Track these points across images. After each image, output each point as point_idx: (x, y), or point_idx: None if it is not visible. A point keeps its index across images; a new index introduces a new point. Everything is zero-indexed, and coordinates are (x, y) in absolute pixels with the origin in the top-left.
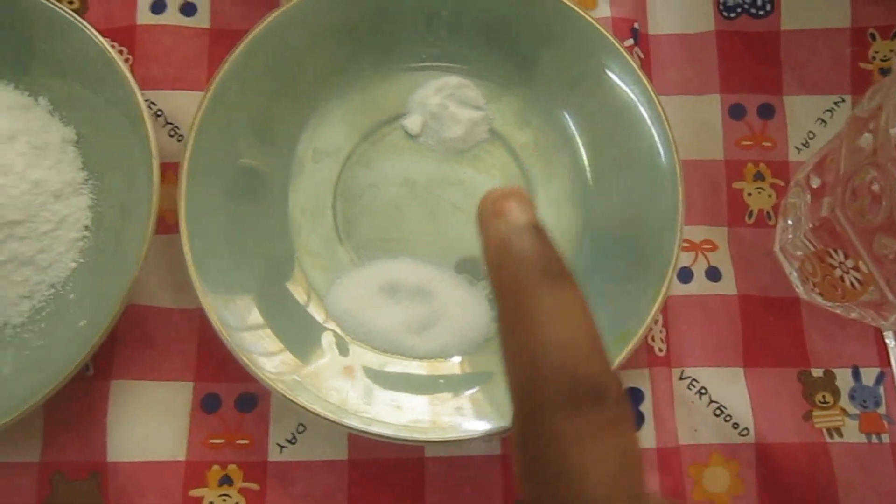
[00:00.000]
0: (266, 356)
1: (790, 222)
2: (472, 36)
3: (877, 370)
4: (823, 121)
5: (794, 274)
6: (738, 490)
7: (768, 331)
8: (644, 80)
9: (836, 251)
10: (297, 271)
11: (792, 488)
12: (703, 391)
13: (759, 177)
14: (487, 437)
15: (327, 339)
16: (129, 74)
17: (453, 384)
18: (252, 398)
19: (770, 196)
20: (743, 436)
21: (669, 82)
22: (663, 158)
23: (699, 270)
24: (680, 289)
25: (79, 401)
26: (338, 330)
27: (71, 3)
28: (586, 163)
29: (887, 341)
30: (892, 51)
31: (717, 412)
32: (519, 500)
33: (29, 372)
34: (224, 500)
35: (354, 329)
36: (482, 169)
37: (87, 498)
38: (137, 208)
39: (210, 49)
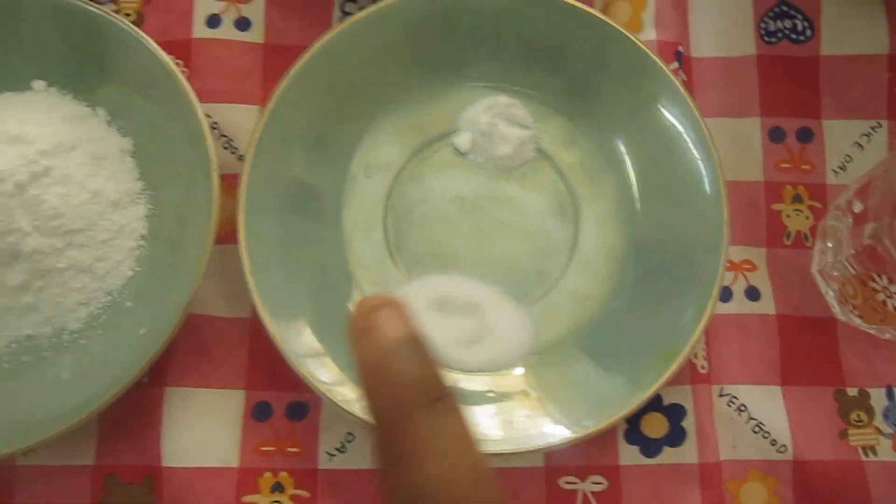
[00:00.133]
0: (321, 366)
1: (830, 245)
2: (521, 57)
3: None
4: (860, 145)
5: (831, 294)
6: None
7: (805, 350)
8: (692, 105)
9: (879, 276)
10: (350, 284)
11: None
12: (742, 408)
13: (797, 199)
14: (547, 450)
15: None
16: (189, 89)
17: (503, 397)
18: (302, 407)
19: (808, 218)
20: (781, 452)
21: (710, 104)
22: (709, 182)
23: (739, 290)
24: (720, 307)
25: (133, 406)
26: None
27: (128, 15)
28: (634, 183)
29: None
30: None
31: (756, 429)
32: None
33: (88, 377)
34: None
35: None
36: (529, 187)
37: (141, 501)
38: (195, 219)
39: (264, 63)
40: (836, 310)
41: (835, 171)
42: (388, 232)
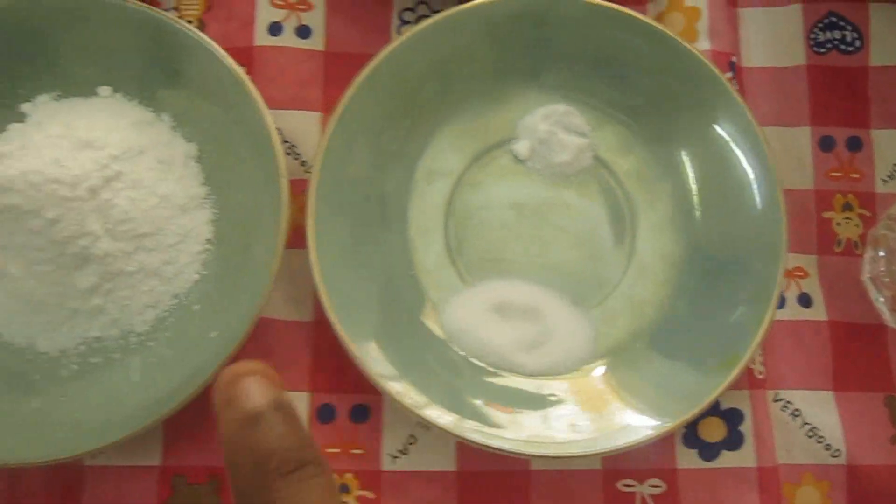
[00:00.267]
0: (387, 369)
1: (881, 253)
2: (580, 66)
3: None
4: None
5: (882, 301)
6: None
7: (856, 356)
8: (749, 114)
9: None
10: (415, 288)
11: None
12: (796, 413)
13: (847, 207)
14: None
15: (443, 355)
16: (258, 95)
17: (563, 401)
18: (365, 409)
19: (857, 226)
20: (835, 457)
21: (761, 114)
22: (767, 190)
23: (791, 297)
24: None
25: (200, 408)
26: (453, 346)
27: (189, 22)
28: (691, 191)
29: None
30: None
31: (810, 434)
32: None
33: (157, 379)
34: None
35: (469, 345)
36: (586, 194)
37: (207, 501)
38: (263, 224)
39: (325, 71)
40: (888, 317)
41: (884, 181)
42: (450, 237)
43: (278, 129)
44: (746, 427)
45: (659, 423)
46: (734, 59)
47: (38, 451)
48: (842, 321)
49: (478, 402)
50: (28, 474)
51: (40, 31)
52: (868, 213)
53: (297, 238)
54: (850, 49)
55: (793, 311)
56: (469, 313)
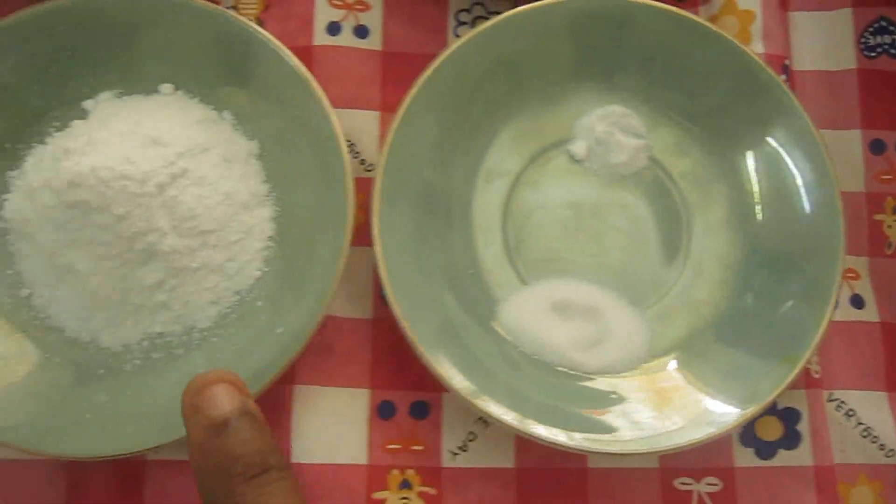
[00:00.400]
0: (451, 366)
1: None
2: (635, 67)
3: None
4: None
5: None
6: None
7: None
8: (806, 117)
9: None
10: (478, 287)
11: None
12: (850, 413)
13: None
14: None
15: (504, 352)
16: (322, 94)
17: (624, 399)
18: (424, 406)
19: None
20: (889, 457)
21: (812, 117)
22: (825, 193)
23: (843, 298)
24: None
25: (263, 403)
26: (514, 344)
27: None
28: (747, 192)
29: None
30: None
31: (864, 434)
32: None
33: None
34: (405, 503)
35: (529, 344)
36: (642, 195)
37: None
38: (326, 222)
39: (382, 71)
40: None
41: None
42: (508, 237)
43: None
44: (803, 426)
45: (721, 420)
46: (787, 62)
47: (103, 445)
48: (893, 323)
49: (539, 400)
50: (90, 468)
51: (113, 29)
52: None
53: (357, 236)
54: None
55: (845, 312)
56: (528, 312)
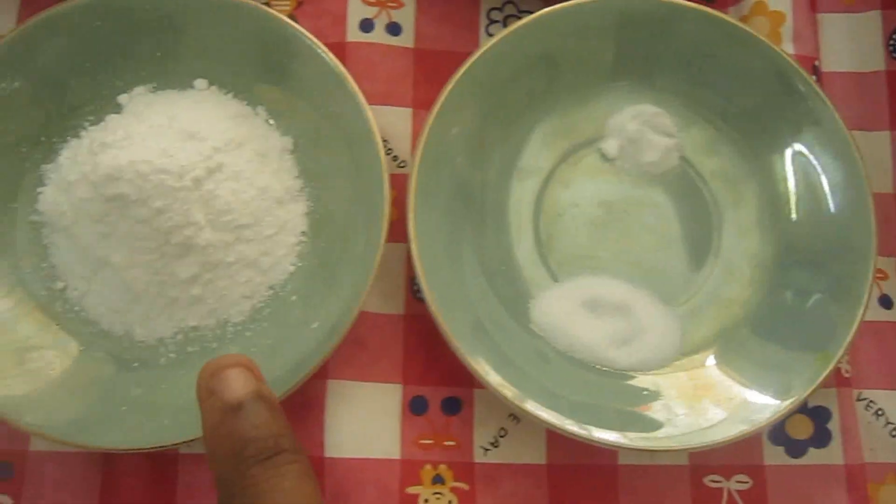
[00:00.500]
0: (485, 362)
1: None
2: (674, 67)
3: None
4: None
5: None
6: None
7: None
8: (838, 118)
9: None
10: (508, 284)
11: None
12: (879, 412)
13: None
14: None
15: (537, 348)
16: (358, 91)
17: (658, 396)
18: (456, 402)
19: None
20: None
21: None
22: (857, 193)
23: (872, 298)
24: None
25: (296, 397)
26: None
27: None
28: (781, 193)
29: None
30: None
31: (893, 433)
32: None
33: (260, 368)
34: (438, 498)
35: (561, 340)
36: (672, 193)
37: None
38: (361, 217)
39: (415, 68)
40: None
41: None
42: (540, 234)
43: None
44: (834, 425)
45: (754, 417)
46: (817, 63)
47: (139, 438)
48: None
49: (571, 397)
50: (124, 460)
51: (151, 24)
52: None
53: (389, 232)
54: None
55: (874, 313)
56: (560, 309)
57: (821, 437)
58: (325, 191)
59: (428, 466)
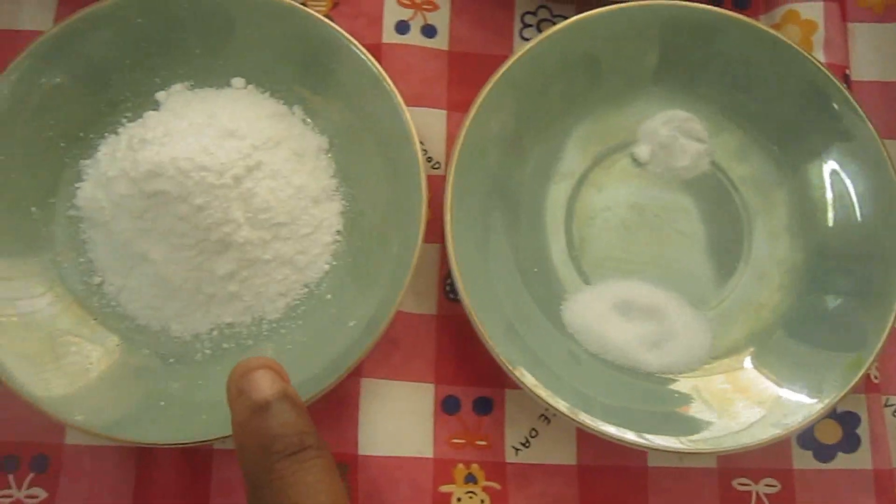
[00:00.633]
0: (520, 363)
1: None
2: (714, 74)
3: None
4: None
5: None
6: None
7: None
8: (870, 126)
9: None
10: (541, 286)
11: None
12: None
13: None
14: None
15: (569, 350)
16: (396, 92)
17: (689, 399)
18: (488, 402)
19: None
20: None
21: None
22: (888, 201)
23: None
24: None
25: (331, 395)
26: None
27: None
28: (812, 199)
29: None
30: None
31: None
32: None
33: (292, 366)
34: (471, 497)
35: (592, 342)
36: (703, 198)
37: None
38: (397, 217)
39: (449, 70)
40: None
41: None
42: (572, 237)
43: None
44: (862, 430)
45: (785, 421)
46: (847, 72)
47: (176, 432)
48: None
49: (602, 398)
50: (159, 455)
51: (193, 23)
52: None
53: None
54: None
55: None
56: (592, 311)
57: (849, 442)
58: (360, 190)
59: (460, 465)
